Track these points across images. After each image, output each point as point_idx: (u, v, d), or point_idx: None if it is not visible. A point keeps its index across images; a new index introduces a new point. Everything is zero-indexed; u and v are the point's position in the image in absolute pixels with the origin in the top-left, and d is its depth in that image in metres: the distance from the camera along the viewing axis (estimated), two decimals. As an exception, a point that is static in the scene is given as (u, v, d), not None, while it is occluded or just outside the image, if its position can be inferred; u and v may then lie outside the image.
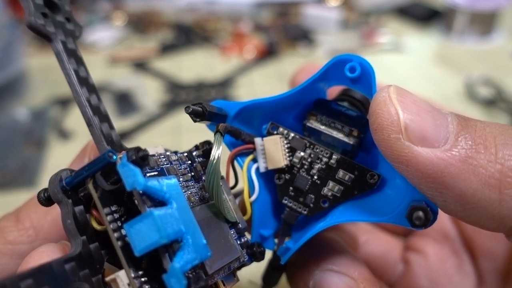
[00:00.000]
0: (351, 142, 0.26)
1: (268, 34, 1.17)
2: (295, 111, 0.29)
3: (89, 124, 0.24)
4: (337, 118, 0.27)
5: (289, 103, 0.27)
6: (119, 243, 0.20)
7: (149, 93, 0.96)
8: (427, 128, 0.20)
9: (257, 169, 0.27)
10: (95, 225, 0.22)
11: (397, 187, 0.24)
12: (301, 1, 1.28)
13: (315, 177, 0.27)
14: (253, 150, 0.27)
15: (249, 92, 0.96)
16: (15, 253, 0.26)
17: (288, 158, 0.27)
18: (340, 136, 0.27)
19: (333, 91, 0.30)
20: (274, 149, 0.27)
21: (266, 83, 1.00)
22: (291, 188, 0.27)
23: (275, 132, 0.27)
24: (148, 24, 1.25)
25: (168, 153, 0.25)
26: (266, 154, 0.27)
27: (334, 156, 0.26)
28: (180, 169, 0.25)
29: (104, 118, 0.25)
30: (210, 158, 0.23)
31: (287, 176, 0.27)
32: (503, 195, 0.18)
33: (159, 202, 0.20)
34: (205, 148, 0.27)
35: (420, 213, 0.21)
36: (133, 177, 0.19)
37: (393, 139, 0.20)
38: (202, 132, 0.30)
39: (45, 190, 0.22)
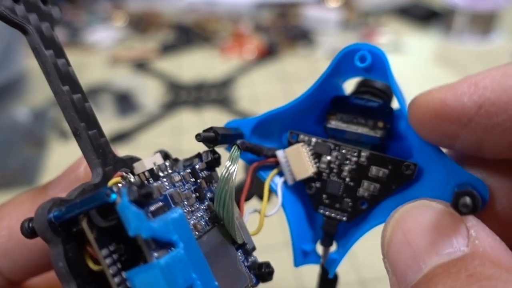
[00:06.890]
0: (378, 135, 0.24)
1: (268, 35, 1.18)
2: (315, 114, 0.27)
3: (75, 133, 0.20)
4: (358, 113, 0.25)
5: (306, 107, 0.26)
6: None
7: (149, 93, 0.96)
8: (398, 262, 0.19)
9: (285, 182, 0.26)
10: (91, 265, 0.19)
11: (437, 174, 0.22)
12: (301, 2, 1.28)
13: (347, 179, 0.25)
14: (277, 164, 0.26)
15: (249, 93, 0.97)
16: None
17: (315, 165, 0.25)
18: (365, 131, 0.25)
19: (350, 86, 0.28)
20: (297, 159, 0.25)
21: (266, 84, 1.00)
22: (324, 195, 0.25)
23: (295, 141, 0.26)
24: (149, 25, 1.25)
25: (169, 172, 0.23)
26: (291, 166, 0.25)
27: (363, 154, 0.24)
28: (184, 191, 0.22)
29: (93, 124, 0.21)
30: (224, 174, 0.22)
31: (318, 184, 0.26)
32: None
33: (165, 243, 0.18)
34: (210, 159, 0.24)
35: (467, 199, 0.18)
36: (136, 222, 0.17)
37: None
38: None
39: (29, 220, 0.19)
